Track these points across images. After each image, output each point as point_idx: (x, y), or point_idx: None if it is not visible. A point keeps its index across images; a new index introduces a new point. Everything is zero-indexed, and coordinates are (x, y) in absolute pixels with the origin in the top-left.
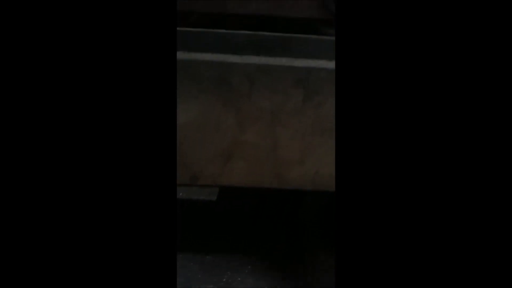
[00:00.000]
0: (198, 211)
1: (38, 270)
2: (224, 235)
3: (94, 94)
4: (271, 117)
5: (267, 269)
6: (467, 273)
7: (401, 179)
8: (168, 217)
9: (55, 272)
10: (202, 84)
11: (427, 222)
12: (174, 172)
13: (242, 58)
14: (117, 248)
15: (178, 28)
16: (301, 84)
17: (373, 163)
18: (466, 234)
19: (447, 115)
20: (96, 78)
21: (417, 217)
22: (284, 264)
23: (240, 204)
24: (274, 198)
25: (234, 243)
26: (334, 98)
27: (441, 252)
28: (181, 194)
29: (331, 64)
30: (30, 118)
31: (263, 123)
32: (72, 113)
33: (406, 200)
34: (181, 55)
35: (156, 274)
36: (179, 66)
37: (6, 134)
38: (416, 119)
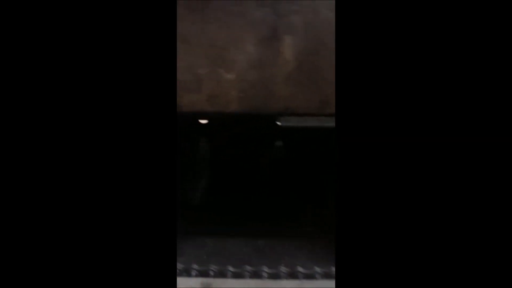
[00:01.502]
0: None
1: (39, 265)
2: None
3: (93, 94)
4: None
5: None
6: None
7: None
8: (168, 216)
9: (59, 257)
10: None
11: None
12: (174, 167)
13: None
14: (117, 246)
15: None
16: None
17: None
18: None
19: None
20: (96, 73)
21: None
22: None
23: None
24: None
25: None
26: None
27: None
28: None
29: None
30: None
31: None
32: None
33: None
34: None
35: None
36: None
37: (6, 133)
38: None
